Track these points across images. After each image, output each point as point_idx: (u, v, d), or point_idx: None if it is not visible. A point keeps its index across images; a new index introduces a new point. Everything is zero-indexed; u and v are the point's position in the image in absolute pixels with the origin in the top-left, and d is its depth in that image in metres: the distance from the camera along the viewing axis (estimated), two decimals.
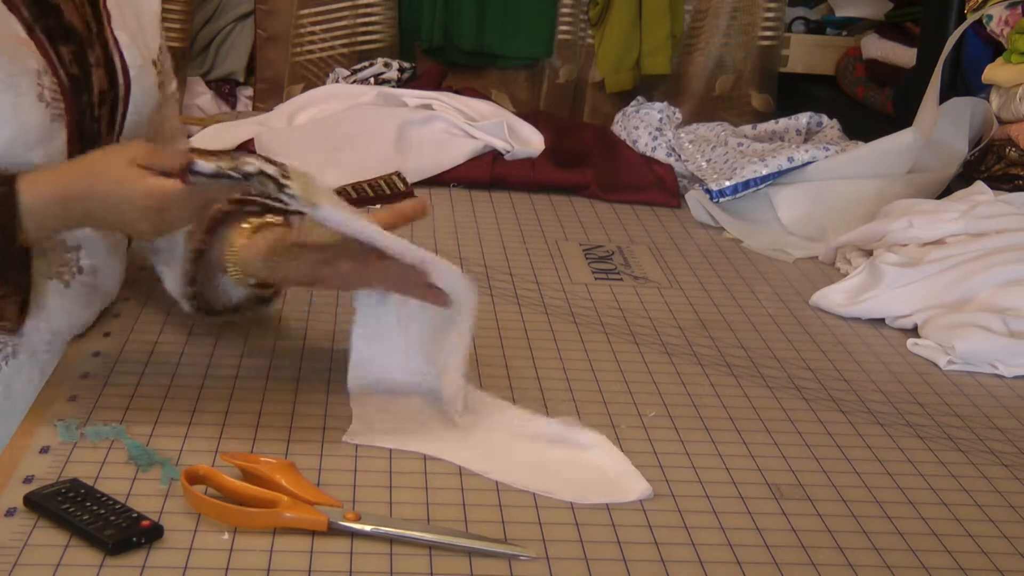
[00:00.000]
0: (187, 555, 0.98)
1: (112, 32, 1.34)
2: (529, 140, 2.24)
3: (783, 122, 2.24)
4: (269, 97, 2.89)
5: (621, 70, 2.98)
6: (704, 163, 2.08)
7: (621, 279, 1.72)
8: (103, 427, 1.16)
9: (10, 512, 1.02)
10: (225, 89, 2.96)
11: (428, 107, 2.32)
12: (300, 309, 1.51)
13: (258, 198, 1.28)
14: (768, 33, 3.04)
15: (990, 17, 2.11)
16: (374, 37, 2.98)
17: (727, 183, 1.97)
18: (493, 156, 2.19)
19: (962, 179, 2.00)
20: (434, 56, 3.00)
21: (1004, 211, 1.71)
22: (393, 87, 2.53)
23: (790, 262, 1.85)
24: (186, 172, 1.12)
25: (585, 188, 2.14)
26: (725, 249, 1.90)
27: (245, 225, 1.31)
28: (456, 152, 2.14)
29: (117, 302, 1.45)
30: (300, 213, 1.18)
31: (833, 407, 1.35)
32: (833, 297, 1.65)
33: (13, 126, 1.22)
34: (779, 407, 1.34)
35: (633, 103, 2.32)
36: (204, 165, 1.12)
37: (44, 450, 1.12)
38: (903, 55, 2.60)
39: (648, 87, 3.00)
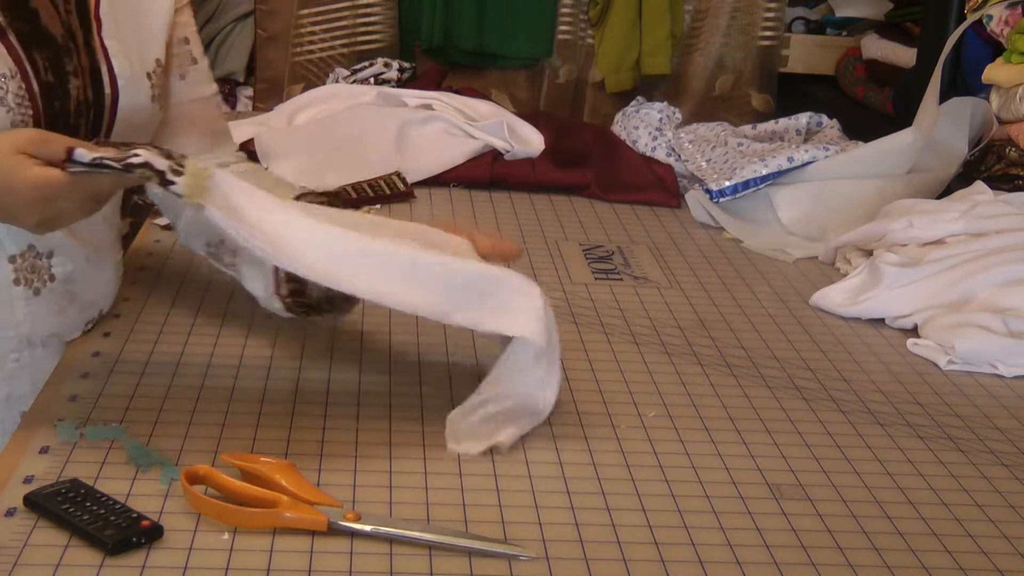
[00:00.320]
0: (187, 555, 0.98)
1: (102, 40, 1.32)
2: (529, 140, 2.24)
3: (783, 122, 2.24)
4: (269, 97, 2.89)
5: (621, 70, 2.98)
6: (704, 163, 2.08)
7: (621, 279, 1.72)
8: (103, 427, 1.16)
9: (10, 512, 1.02)
10: (225, 89, 2.96)
11: (428, 107, 2.32)
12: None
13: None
14: (768, 33, 3.04)
15: (990, 17, 2.11)
16: (374, 37, 2.98)
17: (727, 183, 1.97)
18: (493, 156, 2.19)
19: (962, 179, 2.00)
20: (434, 56, 3.00)
21: (1004, 211, 1.71)
22: (393, 87, 2.53)
23: (790, 262, 1.85)
24: (65, 161, 1.10)
25: (585, 188, 2.14)
26: (725, 249, 1.90)
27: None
28: (456, 152, 2.14)
29: (117, 303, 1.45)
30: None
31: (833, 407, 1.35)
32: (833, 297, 1.65)
33: None
34: (779, 407, 1.34)
35: (633, 103, 2.32)
36: (82, 154, 1.10)
37: (44, 450, 1.12)
38: (903, 55, 2.60)
39: (648, 87, 3.00)
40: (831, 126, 2.23)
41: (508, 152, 2.19)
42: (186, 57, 1.43)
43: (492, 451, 1.18)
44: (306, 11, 2.91)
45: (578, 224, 1.98)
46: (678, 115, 2.26)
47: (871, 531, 1.10)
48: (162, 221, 1.79)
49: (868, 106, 2.72)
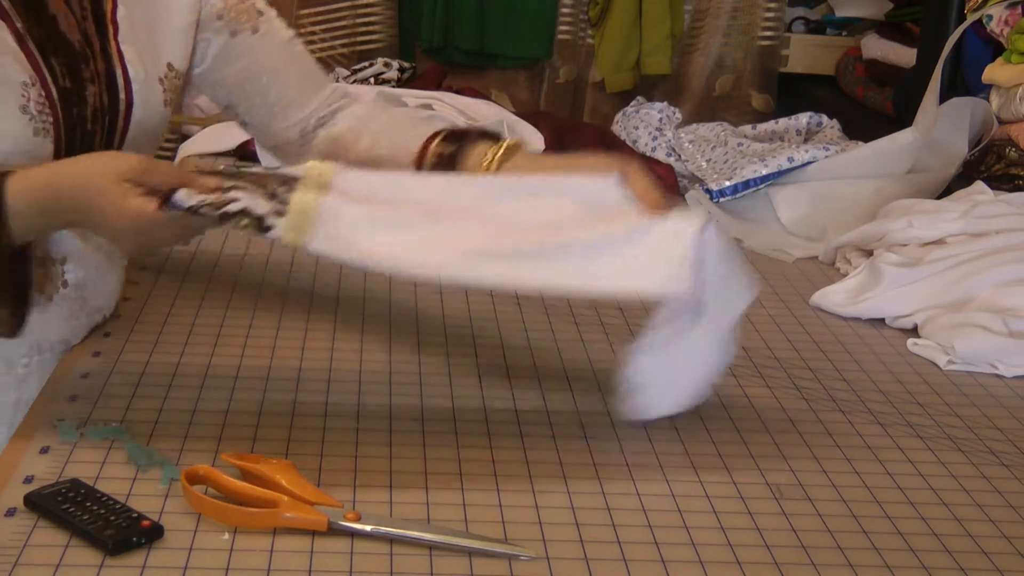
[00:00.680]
0: (187, 555, 0.98)
1: (118, 46, 1.31)
2: (529, 140, 2.24)
3: (783, 122, 2.24)
4: None
5: (621, 70, 2.98)
6: (704, 163, 2.08)
7: None
8: (103, 427, 1.16)
9: (10, 512, 1.02)
10: None
11: (428, 107, 2.31)
12: (300, 309, 1.51)
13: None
14: (768, 33, 3.04)
15: (990, 17, 2.11)
16: (374, 37, 2.99)
17: (727, 183, 1.97)
18: None
19: (962, 179, 2.00)
20: (434, 56, 3.00)
21: (1004, 211, 1.71)
22: (393, 87, 2.53)
23: (790, 262, 1.85)
24: (164, 201, 1.11)
25: None
26: None
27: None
28: None
29: (117, 303, 1.45)
30: None
31: (833, 407, 1.35)
32: (833, 297, 1.65)
33: None
34: (779, 407, 1.34)
35: (633, 103, 2.32)
36: (181, 200, 1.10)
37: (44, 450, 1.12)
38: (903, 55, 2.60)
39: (648, 87, 3.00)
40: (831, 126, 2.24)
41: None
42: (251, 12, 1.41)
43: (492, 451, 1.18)
44: (306, 11, 2.92)
45: None
46: (678, 115, 2.26)
47: (871, 531, 1.09)
48: None
49: (868, 106, 2.72)
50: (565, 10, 3.02)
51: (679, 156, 2.15)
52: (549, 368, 1.40)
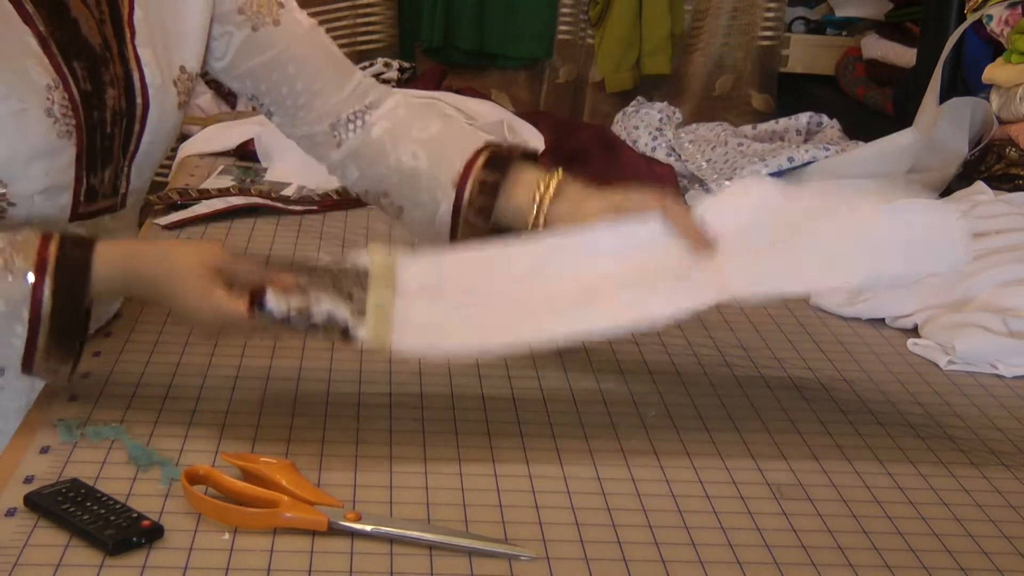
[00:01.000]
0: (187, 555, 0.98)
1: (135, 49, 1.32)
2: (529, 140, 2.24)
3: (783, 122, 2.25)
4: None
5: (621, 70, 2.98)
6: (704, 163, 2.08)
7: None
8: (103, 427, 1.16)
9: (10, 512, 1.02)
10: (225, 89, 2.96)
11: None
12: None
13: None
14: (768, 33, 3.04)
15: (990, 17, 2.11)
16: (374, 37, 2.99)
17: (727, 183, 1.97)
18: None
19: (962, 179, 2.00)
20: (434, 56, 3.00)
21: (1004, 211, 1.71)
22: (393, 87, 2.53)
23: None
24: (253, 305, 1.12)
25: None
26: None
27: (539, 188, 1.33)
28: None
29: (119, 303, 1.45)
30: None
31: (833, 407, 1.35)
32: (833, 297, 1.65)
33: (14, 138, 1.21)
34: (779, 407, 1.34)
35: (633, 103, 2.32)
36: (274, 306, 1.12)
37: (44, 450, 1.12)
38: (903, 55, 2.60)
39: (648, 87, 3.00)
40: (831, 126, 2.24)
41: None
42: (271, 4, 1.41)
43: (492, 451, 1.18)
44: (306, 11, 2.91)
45: None
46: (678, 115, 2.26)
47: (871, 531, 1.09)
48: (162, 221, 1.79)
49: (868, 106, 2.72)
50: (565, 10, 3.02)
51: (679, 156, 2.15)
52: (549, 367, 1.39)
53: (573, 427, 1.25)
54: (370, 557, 0.99)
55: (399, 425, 1.23)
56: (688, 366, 1.42)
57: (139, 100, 1.31)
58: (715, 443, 1.24)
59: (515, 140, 2.20)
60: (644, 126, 2.21)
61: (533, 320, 1.20)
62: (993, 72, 2.05)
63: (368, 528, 1.01)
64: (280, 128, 1.46)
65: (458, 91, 2.44)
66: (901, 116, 2.35)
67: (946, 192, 1.97)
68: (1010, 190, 1.84)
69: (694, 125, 2.25)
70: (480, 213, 1.36)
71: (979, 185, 1.82)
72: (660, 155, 2.17)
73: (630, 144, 2.21)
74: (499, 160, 1.37)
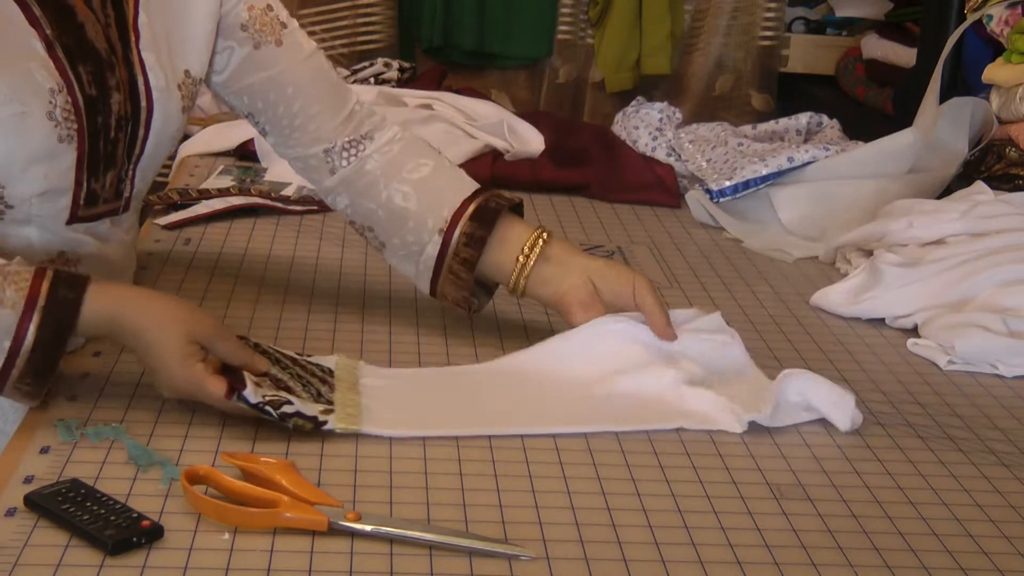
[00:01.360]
0: (187, 555, 0.98)
1: (139, 53, 1.32)
2: (529, 140, 2.24)
3: (783, 122, 2.24)
4: None
5: (621, 70, 2.98)
6: (704, 163, 2.08)
7: None
8: (103, 427, 1.16)
9: (10, 512, 1.02)
10: None
11: (428, 107, 2.32)
12: (301, 308, 1.51)
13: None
14: (768, 33, 3.04)
15: (990, 17, 2.11)
16: (374, 37, 2.99)
17: (727, 183, 1.97)
18: (493, 156, 2.19)
19: (962, 179, 2.00)
20: (434, 56, 3.00)
21: (1004, 211, 1.71)
22: (393, 87, 2.53)
23: (790, 262, 1.85)
24: (231, 391, 1.14)
25: (585, 188, 2.14)
26: (725, 249, 1.90)
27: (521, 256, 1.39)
28: (456, 152, 2.14)
29: None
30: None
31: None
32: (833, 297, 1.65)
33: (14, 141, 1.21)
34: None
35: (633, 103, 2.32)
36: (250, 396, 1.14)
37: (44, 450, 1.12)
38: (903, 55, 2.60)
39: (648, 87, 3.00)
40: (831, 126, 2.23)
41: (508, 152, 2.19)
42: (275, 24, 1.42)
43: (492, 451, 1.18)
44: (306, 11, 2.92)
45: (578, 224, 1.98)
46: (678, 115, 2.26)
47: (871, 531, 1.09)
48: (162, 221, 1.79)
49: (868, 106, 2.72)
50: (565, 10, 3.02)
51: (679, 156, 2.15)
52: None
53: None
54: (370, 557, 0.99)
55: None
56: None
57: (144, 104, 1.31)
58: (715, 443, 1.24)
59: (514, 148, 2.20)
60: (644, 126, 2.21)
61: (501, 417, 1.26)
62: (993, 72, 2.05)
63: (368, 528, 1.01)
64: (274, 148, 1.47)
65: (458, 91, 2.44)
66: (901, 116, 2.35)
67: (946, 192, 1.97)
68: (1010, 190, 1.84)
69: (694, 125, 2.25)
70: (464, 264, 1.40)
71: (979, 185, 1.82)
72: (660, 155, 2.17)
73: (630, 144, 2.22)
74: (487, 213, 1.40)
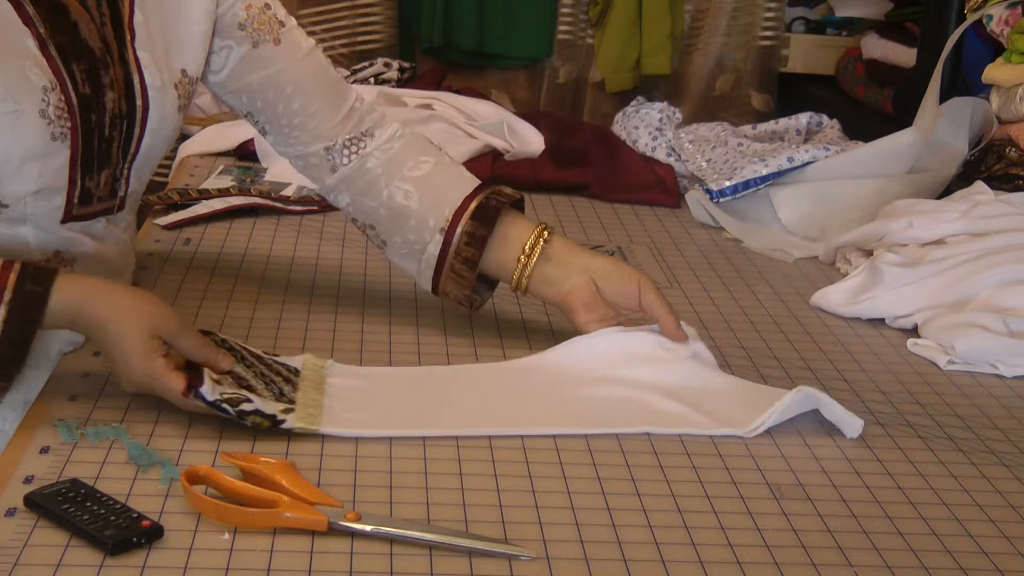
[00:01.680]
0: (187, 555, 0.98)
1: (134, 52, 1.32)
2: (529, 140, 2.24)
3: (783, 122, 2.24)
4: None
5: (621, 70, 2.98)
6: (704, 163, 2.08)
7: None
8: (103, 427, 1.16)
9: (10, 512, 1.02)
10: None
11: (428, 107, 2.32)
12: (301, 307, 1.51)
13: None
14: (768, 33, 3.04)
15: (990, 17, 2.11)
16: (374, 37, 2.99)
17: (727, 183, 1.97)
18: (493, 156, 2.19)
19: (962, 179, 2.00)
20: (434, 56, 3.00)
21: (1004, 211, 1.71)
22: (393, 87, 2.53)
23: (790, 262, 1.85)
24: (188, 389, 1.15)
25: (585, 188, 2.14)
26: (725, 249, 1.90)
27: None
28: (456, 152, 2.14)
29: None
30: None
31: None
32: (833, 297, 1.65)
33: (7, 139, 1.21)
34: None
35: (633, 103, 2.32)
36: (207, 393, 1.15)
37: (44, 450, 1.12)
38: (903, 55, 2.60)
39: (648, 87, 3.00)
40: (831, 126, 2.23)
41: (508, 152, 2.19)
42: (272, 23, 1.42)
43: (492, 451, 1.18)
44: (306, 11, 2.91)
45: (578, 224, 1.98)
46: (678, 115, 2.26)
47: (871, 531, 1.09)
48: (162, 221, 1.79)
49: (868, 106, 2.71)
50: (565, 10, 3.02)
51: (679, 156, 2.15)
52: None
53: None
54: (370, 557, 0.99)
55: None
56: None
57: (139, 103, 1.31)
58: (715, 443, 1.24)
59: (514, 148, 2.20)
60: (644, 126, 2.21)
61: (468, 417, 1.25)
62: (993, 72, 2.05)
63: (368, 528, 1.01)
64: (274, 147, 1.47)
65: (458, 91, 2.44)
66: (901, 116, 2.35)
67: (946, 192, 1.97)
68: (1010, 190, 1.84)
69: (694, 125, 2.25)
70: (466, 263, 1.40)
71: (979, 185, 1.82)
72: (660, 155, 2.17)
73: (630, 144, 2.22)
74: (488, 211, 1.39)
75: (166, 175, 2.20)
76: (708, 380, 1.34)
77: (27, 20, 1.23)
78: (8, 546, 0.97)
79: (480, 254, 1.39)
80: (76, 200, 1.29)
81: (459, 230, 1.39)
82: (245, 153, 2.16)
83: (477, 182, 1.44)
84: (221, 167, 2.10)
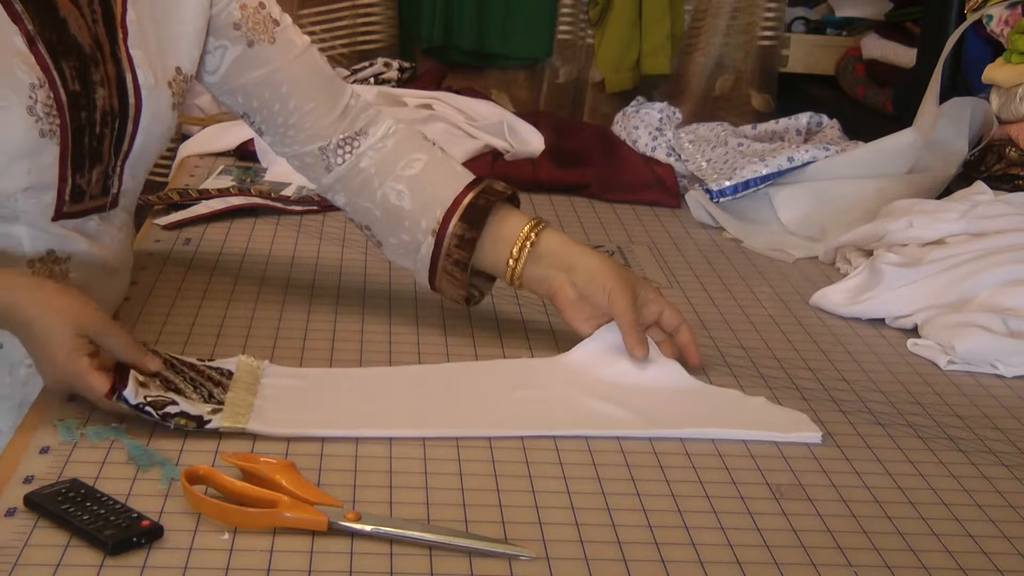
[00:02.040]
0: (187, 555, 0.98)
1: (127, 50, 1.32)
2: (529, 140, 2.24)
3: (783, 122, 2.24)
4: None
5: (621, 70, 2.98)
6: (704, 163, 2.08)
7: None
8: (103, 427, 1.16)
9: (10, 512, 1.02)
10: None
11: (428, 107, 2.32)
12: (301, 307, 1.51)
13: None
14: (768, 33, 3.04)
15: (990, 17, 2.11)
16: (374, 37, 2.98)
17: (727, 183, 1.97)
18: (493, 156, 2.19)
19: (962, 179, 2.00)
20: (434, 56, 3.00)
21: (1004, 211, 1.71)
22: (393, 87, 2.53)
23: (790, 262, 1.85)
24: (112, 391, 1.14)
25: (585, 188, 2.14)
26: (725, 249, 1.90)
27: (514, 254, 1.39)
28: (456, 152, 2.14)
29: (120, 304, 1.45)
30: None
31: (833, 407, 1.35)
32: (833, 297, 1.65)
33: None
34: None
35: (633, 103, 2.32)
36: (130, 395, 1.13)
37: (44, 450, 1.12)
38: (903, 55, 2.60)
39: (648, 87, 3.00)
40: (831, 126, 2.23)
41: (508, 152, 2.19)
42: (267, 22, 1.42)
43: (492, 451, 1.18)
44: (306, 11, 2.91)
45: (578, 224, 1.98)
46: (678, 115, 2.26)
47: (871, 531, 1.09)
48: (162, 221, 1.79)
49: (868, 106, 2.71)
50: (565, 10, 3.02)
51: (679, 156, 2.15)
52: None
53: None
54: (370, 557, 0.99)
55: None
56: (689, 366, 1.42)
57: (132, 100, 1.31)
58: (715, 443, 1.24)
59: (514, 148, 2.20)
60: (644, 126, 2.21)
61: (402, 418, 1.24)
62: (993, 72, 2.05)
63: (368, 528, 1.01)
64: (271, 146, 1.48)
65: (458, 91, 2.44)
66: (901, 116, 2.35)
67: (946, 192, 1.97)
68: (1010, 190, 1.84)
69: (694, 125, 2.25)
70: (457, 264, 1.40)
71: (979, 185, 1.82)
72: (660, 155, 2.17)
73: (630, 144, 2.21)
74: (477, 212, 1.39)
75: (166, 175, 2.20)
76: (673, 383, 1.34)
77: (15, 17, 1.23)
78: (8, 546, 0.97)
79: (470, 256, 1.39)
80: (67, 197, 1.29)
81: (449, 231, 1.39)
82: (245, 153, 2.16)
83: (469, 178, 1.43)
84: (221, 167, 2.10)
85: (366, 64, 2.67)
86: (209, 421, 1.16)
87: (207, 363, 1.27)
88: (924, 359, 1.51)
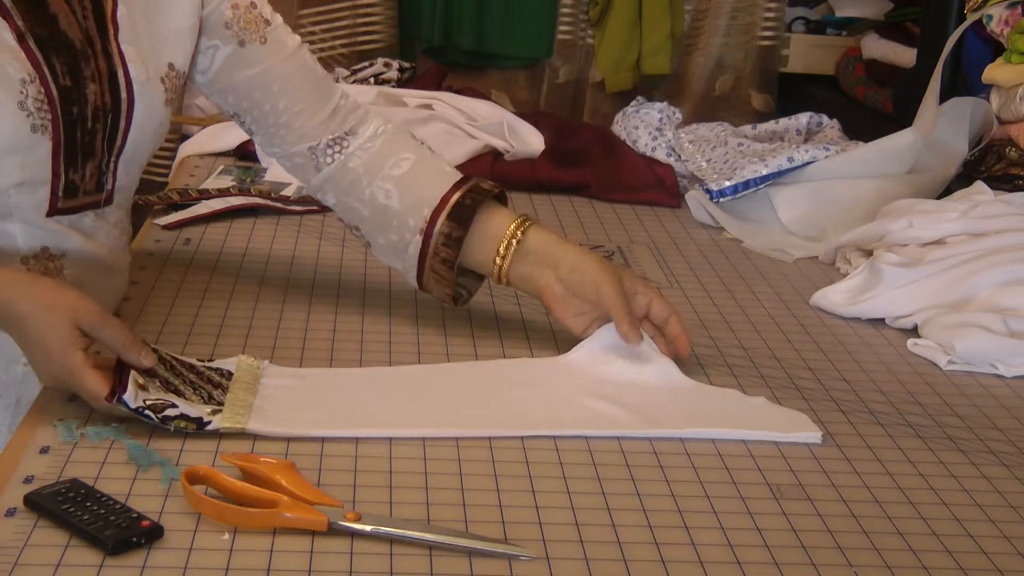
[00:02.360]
0: (187, 555, 0.98)
1: (118, 45, 1.32)
2: (529, 140, 2.24)
3: (783, 122, 2.24)
4: None
5: (621, 70, 2.98)
6: (704, 163, 2.08)
7: None
8: (103, 427, 1.16)
9: (10, 512, 1.02)
10: None
11: (428, 107, 2.32)
12: (300, 310, 1.51)
13: None
14: (768, 33, 3.04)
15: (990, 17, 2.11)
16: (374, 37, 2.99)
17: (727, 183, 1.97)
18: (493, 156, 2.19)
19: (962, 179, 2.00)
20: (434, 56, 3.00)
21: (1004, 211, 1.71)
22: (393, 87, 2.53)
23: (790, 262, 1.85)
24: (112, 393, 1.13)
25: (585, 188, 2.14)
26: (725, 249, 1.90)
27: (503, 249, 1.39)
28: (456, 152, 2.14)
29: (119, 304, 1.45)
30: None
31: (833, 407, 1.35)
32: (833, 297, 1.65)
33: None
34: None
35: (633, 103, 2.32)
36: (129, 399, 1.13)
37: (44, 450, 1.12)
38: (903, 55, 2.60)
39: (648, 87, 3.00)
40: (831, 126, 2.23)
41: (508, 152, 2.19)
42: (259, 22, 1.42)
43: (492, 451, 1.18)
44: (306, 11, 2.91)
45: (578, 224, 1.98)
46: (678, 115, 2.26)
47: (871, 531, 1.09)
48: (162, 221, 1.79)
49: (868, 106, 2.71)
50: (565, 10, 3.02)
51: (679, 156, 2.15)
52: None
53: None
54: (370, 557, 0.99)
55: None
56: (688, 366, 1.42)
57: (124, 96, 1.31)
58: (715, 443, 1.24)
59: (514, 148, 2.20)
60: (644, 126, 2.21)
61: (401, 418, 1.24)
62: (993, 72, 2.05)
63: (368, 528, 1.01)
64: (261, 147, 1.48)
65: (458, 91, 2.44)
66: (901, 116, 2.35)
67: (946, 192, 1.97)
68: (1010, 190, 1.84)
69: (694, 125, 2.25)
70: (444, 263, 1.40)
71: (979, 185, 1.82)
72: (660, 155, 2.16)
73: (630, 144, 2.21)
74: (463, 211, 1.39)
75: (166, 175, 2.20)
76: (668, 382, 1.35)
77: (4, 13, 1.24)
78: (8, 546, 0.97)
79: (457, 254, 1.39)
80: (61, 193, 1.29)
81: (436, 230, 1.39)
82: (245, 153, 2.16)
83: (457, 177, 1.43)
84: (221, 167, 2.10)
85: (366, 64, 2.67)
86: (209, 423, 1.16)
87: (207, 364, 1.27)
88: (924, 359, 1.51)
